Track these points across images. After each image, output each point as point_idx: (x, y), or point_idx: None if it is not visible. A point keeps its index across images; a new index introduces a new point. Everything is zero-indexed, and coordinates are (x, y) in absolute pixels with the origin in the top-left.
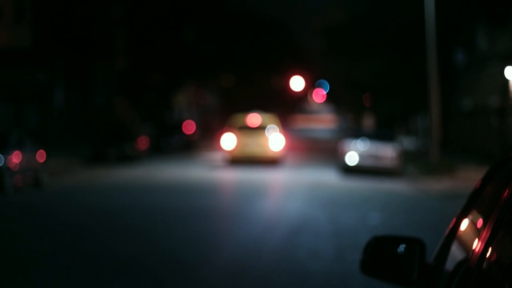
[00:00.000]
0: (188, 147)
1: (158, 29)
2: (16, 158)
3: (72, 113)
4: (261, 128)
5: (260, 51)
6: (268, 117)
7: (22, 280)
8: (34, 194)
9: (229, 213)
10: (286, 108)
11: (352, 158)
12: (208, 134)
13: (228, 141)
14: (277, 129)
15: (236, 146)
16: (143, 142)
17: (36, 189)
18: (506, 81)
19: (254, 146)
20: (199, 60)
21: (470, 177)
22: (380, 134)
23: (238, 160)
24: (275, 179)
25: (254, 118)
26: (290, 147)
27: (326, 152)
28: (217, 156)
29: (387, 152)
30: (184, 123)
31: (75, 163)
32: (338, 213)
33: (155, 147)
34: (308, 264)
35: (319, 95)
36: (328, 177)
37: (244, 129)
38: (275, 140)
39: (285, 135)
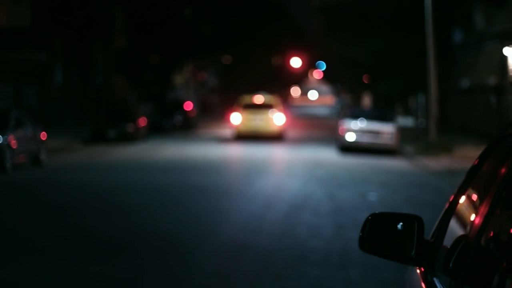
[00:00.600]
0: (187, 126)
1: (157, 8)
2: (16, 137)
3: (72, 92)
4: (265, 107)
5: (259, 31)
6: (270, 97)
7: (16, 259)
8: (33, 173)
9: (229, 190)
10: (286, 88)
11: (351, 136)
12: (207, 113)
13: (236, 118)
14: (279, 107)
15: (242, 122)
16: (142, 122)
17: (35, 168)
18: (504, 59)
19: (258, 122)
20: (198, 39)
21: (468, 155)
22: (379, 113)
23: (244, 135)
24: (276, 155)
25: (258, 98)
26: (291, 123)
27: (325, 129)
28: (215, 134)
29: (386, 130)
30: (183, 102)
31: (74, 142)
32: (338, 190)
33: (154, 126)
34: (308, 241)
35: (318, 74)
36: (327, 154)
37: (249, 108)
38: (277, 117)
39: (286, 113)
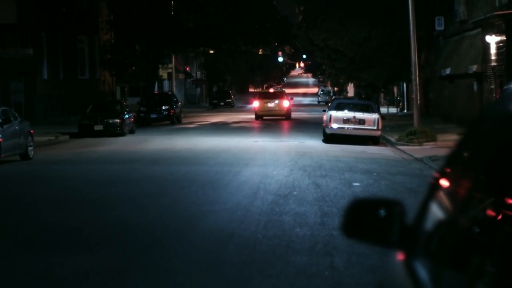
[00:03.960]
0: (173, 119)
1: (141, 1)
2: (4, 133)
3: (58, 87)
4: (275, 95)
5: (244, 23)
6: (279, 90)
7: (15, 250)
8: (22, 167)
9: (216, 180)
10: (272, 80)
11: (336, 126)
12: (191, 105)
13: (255, 103)
14: (285, 95)
15: (260, 106)
16: (128, 115)
17: (24, 163)
18: (485, 47)
19: (271, 106)
20: (182, 31)
21: (451, 142)
22: (363, 102)
23: (261, 115)
24: (262, 145)
25: (270, 90)
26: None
27: (310, 112)
28: (200, 126)
29: (370, 118)
30: (168, 95)
31: (61, 138)
32: (323, 178)
33: (140, 120)
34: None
35: (304, 66)
36: (314, 143)
37: (264, 96)
38: (284, 102)
39: (289, 100)
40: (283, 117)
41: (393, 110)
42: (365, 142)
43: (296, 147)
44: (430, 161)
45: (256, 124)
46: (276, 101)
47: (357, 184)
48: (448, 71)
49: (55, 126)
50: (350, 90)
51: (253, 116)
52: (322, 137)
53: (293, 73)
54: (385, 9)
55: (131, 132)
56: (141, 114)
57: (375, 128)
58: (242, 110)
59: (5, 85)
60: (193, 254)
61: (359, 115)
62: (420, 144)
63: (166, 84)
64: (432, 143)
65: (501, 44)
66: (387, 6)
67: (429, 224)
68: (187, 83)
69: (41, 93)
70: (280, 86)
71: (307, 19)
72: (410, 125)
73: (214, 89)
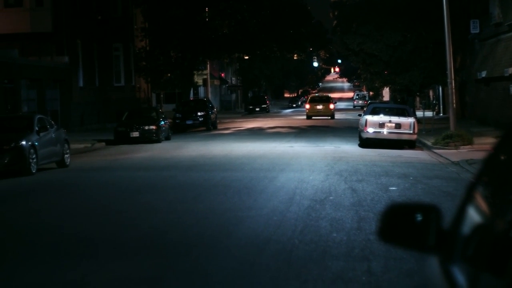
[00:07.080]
0: (208, 125)
1: (176, 8)
2: (40, 141)
3: (94, 94)
4: (323, 99)
5: (278, 28)
6: (326, 95)
7: (43, 260)
8: (58, 175)
9: (252, 186)
10: (307, 86)
11: (372, 130)
12: (227, 111)
13: (307, 106)
14: (330, 99)
15: (310, 107)
16: (164, 122)
17: (60, 170)
18: None
19: (319, 108)
20: (216, 38)
21: (488, 145)
22: (398, 106)
23: (311, 115)
24: (298, 150)
25: (319, 94)
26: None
27: (346, 114)
28: (236, 132)
29: (406, 122)
30: (203, 101)
31: (98, 145)
32: (359, 183)
33: (176, 126)
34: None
35: (339, 71)
36: (350, 147)
37: (314, 100)
38: (330, 105)
39: (333, 103)
40: (329, 117)
41: (429, 113)
42: (401, 146)
43: (332, 152)
44: (467, 165)
45: (292, 130)
46: (323, 104)
47: (394, 188)
48: (484, 74)
49: (91, 134)
50: (386, 94)
51: (289, 122)
52: (358, 142)
53: (328, 78)
54: (420, 13)
55: (167, 138)
56: (177, 121)
57: (411, 132)
58: (278, 115)
59: (41, 93)
60: (229, 260)
61: (395, 119)
62: (456, 147)
63: (201, 90)
64: (469, 146)
65: None
66: (422, 10)
67: (466, 228)
68: (223, 89)
69: (77, 100)
70: (316, 91)
71: (341, 24)
72: (446, 128)
73: (249, 94)
